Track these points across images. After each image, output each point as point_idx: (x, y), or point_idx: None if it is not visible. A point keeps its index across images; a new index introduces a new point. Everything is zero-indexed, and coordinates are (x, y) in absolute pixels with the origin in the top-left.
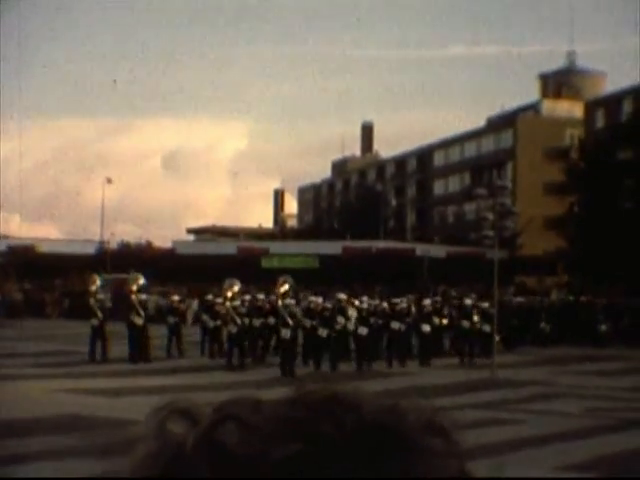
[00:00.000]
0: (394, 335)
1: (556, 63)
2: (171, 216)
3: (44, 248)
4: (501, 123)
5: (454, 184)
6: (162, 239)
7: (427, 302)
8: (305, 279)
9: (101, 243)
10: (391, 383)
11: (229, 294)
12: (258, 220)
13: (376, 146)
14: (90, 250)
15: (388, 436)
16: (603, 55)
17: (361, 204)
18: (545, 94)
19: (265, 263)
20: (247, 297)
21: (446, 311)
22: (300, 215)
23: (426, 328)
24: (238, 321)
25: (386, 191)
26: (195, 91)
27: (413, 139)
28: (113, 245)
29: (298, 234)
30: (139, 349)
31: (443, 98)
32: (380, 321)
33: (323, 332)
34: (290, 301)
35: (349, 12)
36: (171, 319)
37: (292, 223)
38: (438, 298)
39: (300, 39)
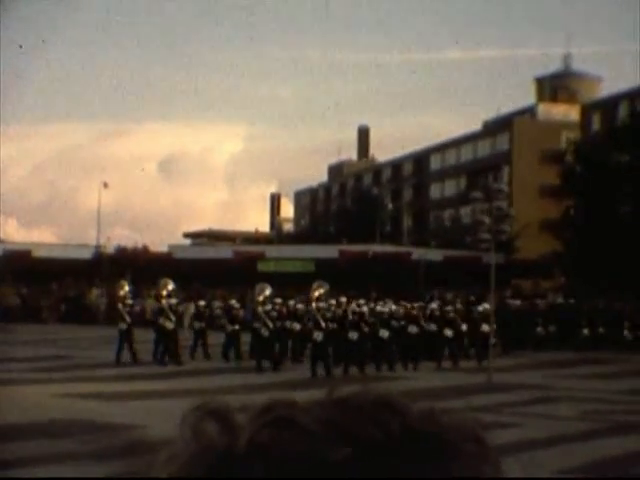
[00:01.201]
0: (410, 339)
1: (552, 66)
2: (167, 220)
3: (40, 253)
4: (497, 126)
5: (450, 188)
6: (158, 243)
7: (449, 308)
8: (301, 283)
9: (97, 248)
10: (389, 387)
11: (261, 298)
12: (254, 224)
13: (372, 150)
14: (86, 255)
15: (432, 443)
16: (599, 58)
17: (357, 208)
18: (541, 97)
19: (261, 267)
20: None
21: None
22: (296, 219)
23: (448, 333)
24: (271, 325)
25: (382, 195)
26: (191, 95)
27: (409, 143)
28: (109, 250)
29: (294, 238)
30: (170, 352)
31: (439, 102)
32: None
33: (354, 335)
34: (323, 304)
35: (345, 16)
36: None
37: (288, 227)
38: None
39: (296, 43)
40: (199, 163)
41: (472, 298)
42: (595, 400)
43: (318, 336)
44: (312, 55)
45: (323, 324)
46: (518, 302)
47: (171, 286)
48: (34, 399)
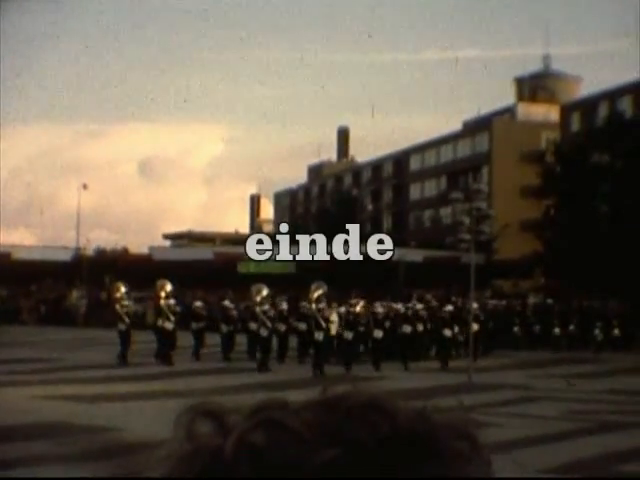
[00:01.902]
0: (406, 338)
1: (532, 67)
2: (147, 222)
3: (20, 255)
4: (477, 127)
5: (430, 188)
6: (138, 245)
7: (449, 307)
8: (281, 284)
9: (77, 250)
10: (376, 387)
11: (258, 299)
12: (234, 225)
13: (352, 151)
14: (66, 257)
15: (422, 443)
16: (578, 59)
17: (337, 209)
18: (521, 98)
19: (242, 268)
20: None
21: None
22: (276, 220)
23: (447, 333)
24: (269, 324)
25: (362, 196)
26: (170, 96)
27: (389, 144)
28: (89, 252)
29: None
30: (165, 352)
31: (419, 102)
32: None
33: (349, 335)
34: (322, 305)
35: (324, 17)
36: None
37: (268, 228)
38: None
39: (275, 44)
40: (179, 164)
41: (453, 299)
42: (576, 400)
43: (319, 336)
44: (292, 57)
45: (324, 324)
46: (494, 302)
47: (169, 287)
48: (13, 401)
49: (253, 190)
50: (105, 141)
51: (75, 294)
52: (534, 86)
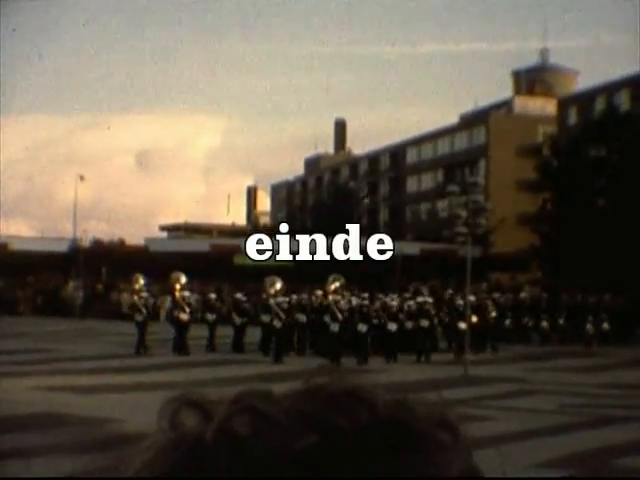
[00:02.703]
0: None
1: (529, 60)
2: (144, 213)
3: (16, 246)
4: (474, 120)
5: (427, 181)
6: (135, 237)
7: (460, 302)
8: (278, 276)
9: (73, 241)
10: (362, 379)
11: (272, 291)
12: (231, 217)
13: (349, 143)
14: (62, 248)
15: (401, 431)
16: (576, 53)
17: (334, 201)
18: (518, 91)
19: (238, 260)
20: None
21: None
22: (273, 212)
23: (462, 326)
24: (283, 316)
25: (359, 188)
26: (168, 88)
27: (386, 136)
28: (86, 243)
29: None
30: (183, 341)
31: (416, 95)
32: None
33: (363, 327)
34: (338, 297)
35: (321, 10)
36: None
37: (265, 220)
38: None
39: (273, 36)
40: (176, 156)
41: (450, 292)
42: (571, 393)
43: (335, 327)
44: (289, 49)
45: (340, 316)
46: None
47: (184, 279)
48: (9, 392)
49: (250, 182)
50: (102, 133)
51: (71, 285)
52: (531, 80)
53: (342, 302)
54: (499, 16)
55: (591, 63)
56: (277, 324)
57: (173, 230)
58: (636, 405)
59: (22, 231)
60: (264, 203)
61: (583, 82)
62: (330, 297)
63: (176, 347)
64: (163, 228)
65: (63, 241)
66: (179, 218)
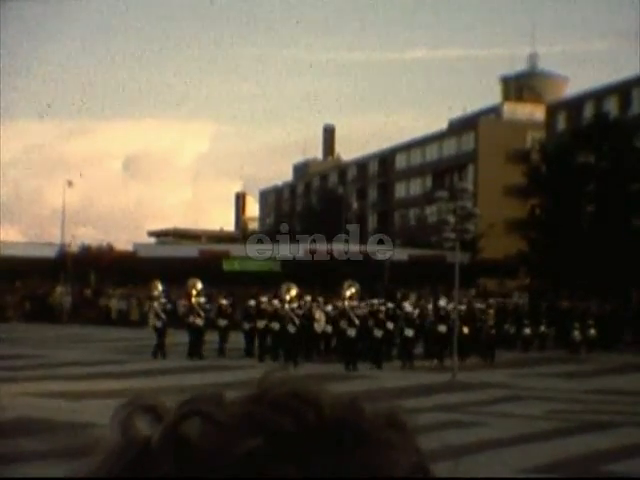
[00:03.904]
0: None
1: (518, 66)
2: (132, 219)
3: (4, 251)
4: (463, 126)
5: (415, 187)
6: (123, 242)
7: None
8: (266, 282)
9: (62, 246)
10: (351, 385)
11: (287, 297)
12: (219, 223)
13: (338, 149)
14: (51, 253)
15: (347, 431)
16: (565, 58)
17: (323, 207)
18: (507, 97)
19: (227, 266)
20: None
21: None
22: (261, 218)
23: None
24: (297, 322)
25: (348, 194)
26: (156, 94)
27: (375, 142)
28: (74, 248)
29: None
30: (195, 348)
31: (405, 101)
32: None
33: (378, 333)
34: (355, 303)
35: (310, 15)
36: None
37: (253, 226)
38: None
39: (263, 42)
40: (164, 161)
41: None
42: (559, 399)
43: (351, 332)
44: (278, 54)
45: (357, 321)
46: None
47: (200, 285)
48: None
49: (238, 188)
50: (90, 138)
51: (59, 291)
52: (520, 85)
53: (358, 307)
54: (488, 22)
55: (580, 69)
56: (291, 329)
57: (162, 236)
58: (623, 411)
59: (10, 236)
60: (253, 209)
61: (572, 88)
62: (346, 303)
63: (191, 352)
64: (152, 234)
65: (51, 246)
66: (168, 224)
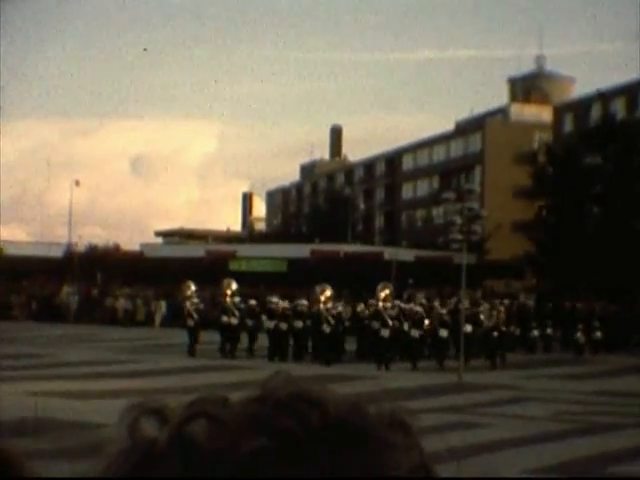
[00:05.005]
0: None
1: (525, 67)
2: (139, 219)
3: (11, 251)
4: (470, 127)
5: (422, 188)
6: (130, 242)
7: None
8: (273, 282)
9: (69, 246)
10: (359, 386)
11: (322, 298)
12: (226, 223)
13: (345, 150)
14: (58, 253)
15: (350, 432)
16: (572, 60)
17: (329, 207)
18: (514, 98)
19: (233, 266)
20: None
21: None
22: (268, 218)
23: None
24: (332, 322)
25: (354, 195)
26: (164, 94)
27: (382, 143)
28: (81, 248)
29: (266, 237)
30: (232, 347)
31: (412, 102)
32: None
33: (415, 333)
34: (389, 304)
35: (318, 16)
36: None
37: (260, 226)
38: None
39: (270, 42)
40: (171, 161)
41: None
42: (565, 401)
43: (385, 333)
44: (286, 55)
45: (390, 322)
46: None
47: (234, 286)
48: (4, 397)
49: (245, 188)
50: (97, 138)
51: (66, 290)
52: (527, 87)
53: (391, 308)
54: (495, 23)
55: (587, 70)
56: (326, 329)
57: (168, 236)
58: (629, 413)
59: (17, 236)
60: (259, 209)
61: (579, 89)
62: (380, 304)
63: (223, 349)
64: (158, 234)
65: (58, 246)
66: (174, 224)
